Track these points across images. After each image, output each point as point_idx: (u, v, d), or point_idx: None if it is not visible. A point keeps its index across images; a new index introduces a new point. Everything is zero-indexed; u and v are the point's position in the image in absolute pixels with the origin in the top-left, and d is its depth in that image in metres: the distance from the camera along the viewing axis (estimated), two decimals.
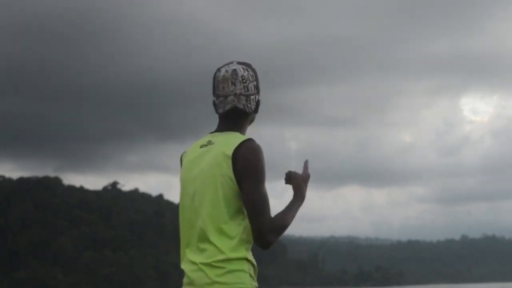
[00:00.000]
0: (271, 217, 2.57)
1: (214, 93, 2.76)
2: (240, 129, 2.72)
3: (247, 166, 2.57)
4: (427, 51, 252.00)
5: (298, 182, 2.79)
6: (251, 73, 2.73)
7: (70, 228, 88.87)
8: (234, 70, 2.71)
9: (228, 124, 2.73)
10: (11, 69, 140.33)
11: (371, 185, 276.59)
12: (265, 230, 2.54)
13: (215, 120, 2.77)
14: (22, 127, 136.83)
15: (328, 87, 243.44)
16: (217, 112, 2.75)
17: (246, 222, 2.59)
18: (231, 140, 2.62)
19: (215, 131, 2.74)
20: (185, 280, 2.62)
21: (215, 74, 2.76)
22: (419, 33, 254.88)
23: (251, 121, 2.81)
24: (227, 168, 2.58)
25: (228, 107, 2.70)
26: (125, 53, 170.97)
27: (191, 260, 2.60)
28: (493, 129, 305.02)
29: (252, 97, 2.71)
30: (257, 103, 2.77)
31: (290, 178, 2.83)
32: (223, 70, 2.72)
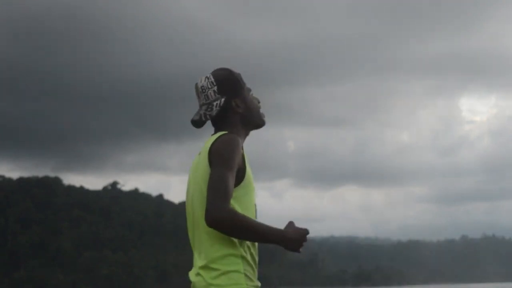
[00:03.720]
0: (227, 198, 2.46)
1: None
2: (228, 128, 2.75)
3: (214, 154, 2.59)
4: (425, 52, 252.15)
5: (294, 232, 2.63)
6: (211, 80, 2.77)
7: (70, 228, 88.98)
8: (196, 84, 2.82)
9: (216, 127, 2.79)
10: (10, 69, 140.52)
11: (370, 185, 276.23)
12: (214, 207, 2.43)
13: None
14: (22, 127, 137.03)
15: (327, 87, 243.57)
16: None
17: None
18: (213, 138, 2.67)
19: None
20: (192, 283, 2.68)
21: None
22: (418, 34, 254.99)
23: (246, 121, 2.80)
24: (207, 167, 2.61)
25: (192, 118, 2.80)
26: (124, 53, 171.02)
27: (194, 263, 2.65)
28: (492, 129, 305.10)
29: (214, 103, 2.75)
30: (228, 105, 2.75)
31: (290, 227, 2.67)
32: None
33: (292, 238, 2.60)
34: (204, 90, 2.76)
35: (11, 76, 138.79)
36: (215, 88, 2.75)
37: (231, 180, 2.52)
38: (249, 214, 2.62)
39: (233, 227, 2.45)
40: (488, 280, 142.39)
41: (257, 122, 2.85)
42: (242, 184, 2.62)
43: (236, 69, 2.86)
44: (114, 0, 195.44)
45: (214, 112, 2.73)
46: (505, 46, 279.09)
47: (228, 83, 2.77)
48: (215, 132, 2.76)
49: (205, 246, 2.59)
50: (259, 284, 2.65)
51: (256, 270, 2.65)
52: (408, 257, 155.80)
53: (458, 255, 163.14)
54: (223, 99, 2.74)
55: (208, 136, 2.76)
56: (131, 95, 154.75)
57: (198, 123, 2.77)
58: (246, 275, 2.58)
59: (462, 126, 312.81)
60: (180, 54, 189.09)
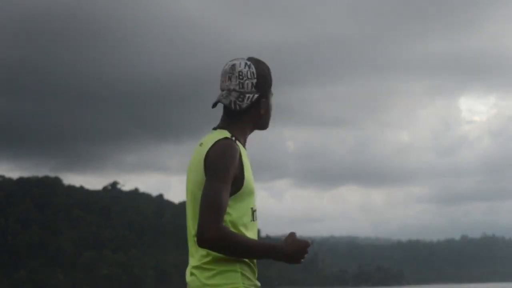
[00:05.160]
0: (220, 215, 2.40)
1: None
2: (233, 126, 2.63)
3: (209, 163, 2.49)
4: (425, 52, 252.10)
5: (293, 245, 2.52)
6: (252, 70, 2.62)
7: (70, 228, 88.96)
8: (233, 64, 2.63)
9: (223, 120, 2.66)
10: (10, 69, 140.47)
11: (370, 185, 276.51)
12: (206, 226, 2.37)
13: (214, 120, 2.72)
14: (22, 127, 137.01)
15: (327, 87, 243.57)
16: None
17: (228, 218, 2.51)
18: (210, 141, 2.55)
19: (215, 127, 2.68)
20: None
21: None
22: (417, 34, 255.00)
23: (259, 122, 2.69)
24: (201, 172, 2.52)
25: (216, 100, 2.63)
26: (124, 53, 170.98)
27: (189, 263, 2.59)
28: (492, 129, 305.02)
29: (247, 95, 2.61)
30: (257, 103, 2.63)
31: (289, 237, 2.55)
32: (227, 64, 2.66)
33: (290, 253, 2.51)
34: (241, 77, 2.61)
35: (11, 76, 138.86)
36: (255, 81, 2.62)
37: (225, 194, 2.44)
38: (244, 220, 2.54)
39: (225, 247, 2.40)
40: (488, 280, 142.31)
41: (265, 126, 2.74)
42: (239, 192, 2.52)
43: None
44: (114, 0, 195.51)
45: (244, 105, 2.60)
46: (505, 46, 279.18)
47: (265, 82, 2.66)
48: (220, 125, 2.64)
49: (197, 246, 2.49)
50: (258, 283, 2.58)
51: (255, 269, 2.58)
52: (408, 257, 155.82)
53: (458, 255, 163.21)
54: (256, 96, 2.62)
55: (208, 132, 2.65)
56: (131, 95, 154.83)
57: (224, 106, 2.63)
58: (243, 274, 2.51)
59: (461, 126, 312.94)
60: (180, 54, 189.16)
